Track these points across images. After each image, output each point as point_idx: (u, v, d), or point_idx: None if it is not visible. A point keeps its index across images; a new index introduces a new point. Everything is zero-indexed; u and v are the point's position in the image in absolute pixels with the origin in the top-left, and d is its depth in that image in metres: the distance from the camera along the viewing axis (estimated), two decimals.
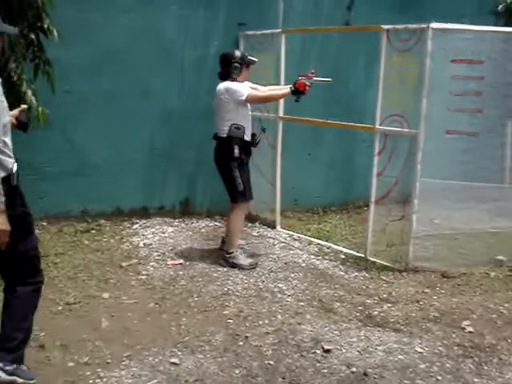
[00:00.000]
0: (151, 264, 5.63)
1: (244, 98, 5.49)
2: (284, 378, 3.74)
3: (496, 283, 5.38)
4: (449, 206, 5.68)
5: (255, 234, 6.75)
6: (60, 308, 4.54)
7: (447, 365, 3.95)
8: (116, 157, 6.77)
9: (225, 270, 5.54)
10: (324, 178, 7.83)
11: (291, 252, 6.11)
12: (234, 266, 5.58)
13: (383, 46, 5.51)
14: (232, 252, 5.64)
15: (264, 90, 5.89)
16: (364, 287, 5.24)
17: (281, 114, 6.68)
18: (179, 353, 3.99)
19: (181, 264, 5.65)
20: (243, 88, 5.54)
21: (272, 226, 6.95)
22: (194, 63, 6.99)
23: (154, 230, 6.64)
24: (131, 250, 5.98)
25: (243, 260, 5.62)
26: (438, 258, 5.66)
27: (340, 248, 6.25)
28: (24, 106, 3.81)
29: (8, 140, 3.25)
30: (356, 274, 5.56)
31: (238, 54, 5.68)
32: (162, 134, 6.96)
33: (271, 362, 3.91)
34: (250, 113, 5.78)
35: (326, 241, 6.51)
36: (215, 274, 5.43)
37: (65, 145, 6.48)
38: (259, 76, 6.75)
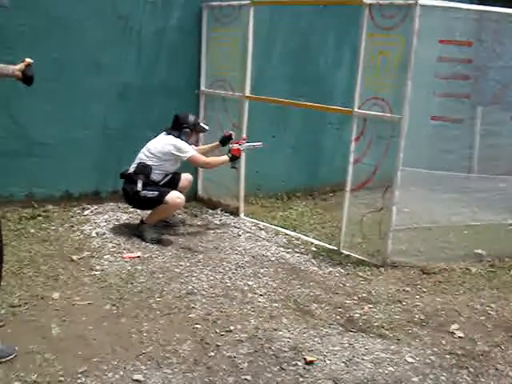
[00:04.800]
0: (105, 257, 5.08)
1: (186, 157, 5.61)
2: None
3: (479, 280, 5.06)
4: (429, 197, 5.32)
5: (217, 222, 6.27)
6: (3, 311, 3.95)
7: (442, 377, 3.58)
8: (65, 136, 6.13)
9: (187, 264, 5.05)
10: (289, 162, 7.40)
11: (258, 244, 5.65)
12: (139, 235, 5.60)
13: (364, 22, 5.02)
14: (146, 223, 5.66)
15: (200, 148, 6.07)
16: (341, 285, 4.82)
17: (247, 93, 6.16)
18: (143, 367, 3.49)
19: (138, 257, 5.13)
20: (189, 148, 5.65)
21: (235, 213, 6.48)
22: (152, 35, 6.37)
23: (107, 216, 6.07)
24: (82, 241, 5.41)
25: (148, 234, 5.58)
26: (417, 251, 5.32)
27: (310, 239, 5.82)
28: (29, 60, 3.71)
29: None
30: (330, 269, 5.15)
31: (191, 119, 5.75)
32: (116, 111, 6.35)
33: (248, 378, 3.45)
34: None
35: (294, 230, 6.09)
36: (177, 270, 4.93)
37: (8, 122, 5.81)
38: (225, 51, 6.28)
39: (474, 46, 4.93)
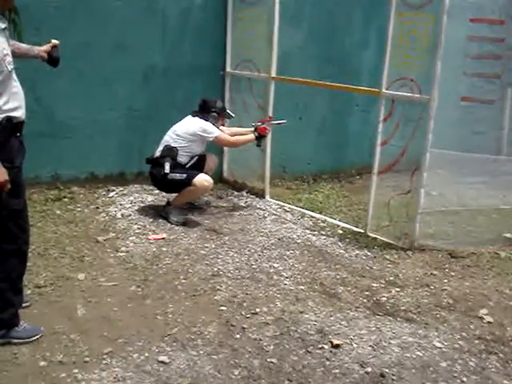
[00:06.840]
0: (131, 239, 5.08)
1: (212, 137, 5.59)
2: (290, 381, 3.25)
3: (508, 265, 4.96)
4: (458, 180, 5.23)
5: (243, 204, 6.24)
6: (29, 292, 3.96)
7: (471, 363, 3.51)
8: (90, 117, 6.14)
9: (213, 246, 5.02)
10: (315, 144, 7.33)
11: (284, 226, 5.61)
12: (165, 217, 5.59)
13: (393, 1, 4.91)
14: (172, 205, 5.63)
15: (227, 131, 5.92)
16: (368, 268, 4.76)
17: (273, 74, 6.08)
18: (168, 348, 3.48)
19: (163, 239, 5.12)
20: (214, 129, 5.62)
21: (260, 195, 6.44)
22: (177, 16, 6.33)
23: (132, 198, 6.07)
24: (108, 222, 5.42)
25: (174, 216, 5.54)
26: (445, 235, 5.24)
27: (336, 222, 5.77)
28: (55, 41, 3.71)
29: None
30: (357, 252, 5.09)
31: (219, 104, 5.80)
32: (140, 92, 6.34)
33: (274, 361, 3.42)
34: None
35: (320, 213, 6.03)
36: (202, 251, 4.90)
37: (34, 104, 5.78)
38: (251, 32, 6.21)
39: (506, 24, 4.79)
